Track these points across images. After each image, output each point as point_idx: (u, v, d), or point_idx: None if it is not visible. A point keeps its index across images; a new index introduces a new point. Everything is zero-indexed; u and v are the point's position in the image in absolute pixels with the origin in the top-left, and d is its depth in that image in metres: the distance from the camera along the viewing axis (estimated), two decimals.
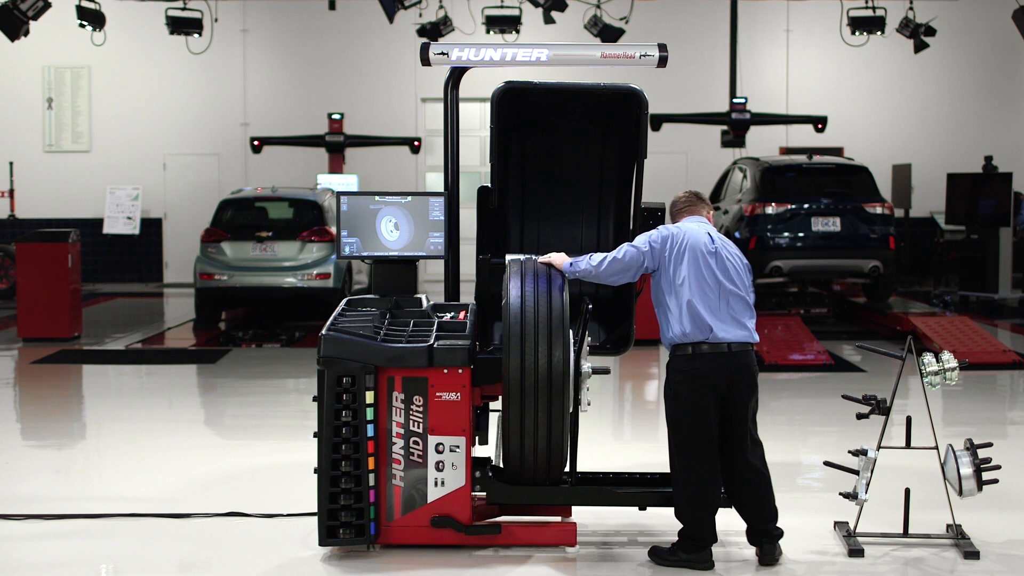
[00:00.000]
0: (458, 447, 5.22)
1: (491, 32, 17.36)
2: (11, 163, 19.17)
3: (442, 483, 5.23)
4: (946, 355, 5.71)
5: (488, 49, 5.82)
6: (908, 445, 5.64)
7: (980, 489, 5.47)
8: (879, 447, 5.55)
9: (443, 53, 5.82)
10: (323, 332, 5.24)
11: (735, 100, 17.37)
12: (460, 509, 5.25)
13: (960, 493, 5.47)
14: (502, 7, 17.42)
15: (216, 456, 7.49)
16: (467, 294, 6.01)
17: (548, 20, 16.87)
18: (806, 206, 14.15)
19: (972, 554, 5.35)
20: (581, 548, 5.42)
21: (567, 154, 6.08)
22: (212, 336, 13.50)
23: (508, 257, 5.62)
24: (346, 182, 18.46)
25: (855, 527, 5.55)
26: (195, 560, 5.40)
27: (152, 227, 19.93)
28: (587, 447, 6.23)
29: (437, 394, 5.20)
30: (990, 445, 5.61)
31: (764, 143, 19.12)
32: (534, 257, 5.43)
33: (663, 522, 5.67)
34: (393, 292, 5.87)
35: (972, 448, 5.52)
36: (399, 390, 5.20)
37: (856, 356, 11.68)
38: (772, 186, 14.42)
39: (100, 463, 7.55)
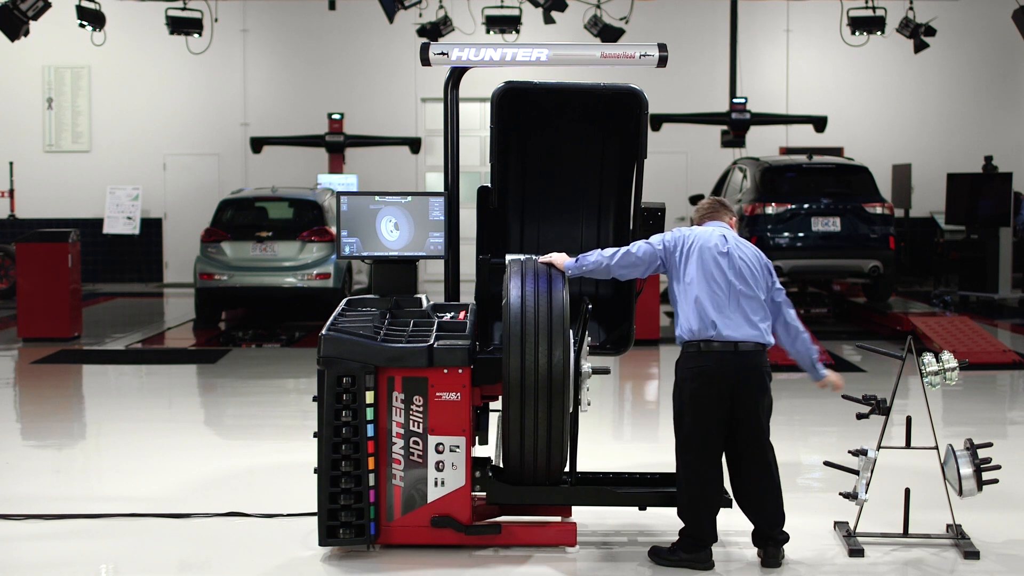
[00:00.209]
0: (458, 447, 5.22)
1: (491, 32, 17.35)
2: (11, 163, 19.17)
3: (442, 483, 5.22)
4: (946, 355, 5.70)
5: (488, 49, 5.83)
6: (908, 445, 5.64)
7: (980, 489, 5.46)
8: (879, 447, 5.55)
9: (443, 53, 5.82)
10: (323, 332, 5.24)
11: (735, 100, 17.36)
12: (460, 509, 5.25)
13: (960, 493, 5.47)
14: (502, 7, 17.41)
15: (216, 456, 7.49)
16: (467, 294, 6.00)
17: (548, 20, 16.86)
18: (806, 206, 14.15)
19: (972, 554, 5.35)
20: (581, 548, 5.42)
21: (567, 154, 6.08)
22: (212, 336, 13.50)
23: (508, 257, 5.62)
24: (346, 182, 18.44)
25: (855, 527, 5.55)
26: (195, 560, 5.40)
27: (152, 227, 19.93)
28: (587, 447, 6.23)
29: (437, 394, 5.20)
30: (990, 445, 5.61)
31: (764, 143, 19.10)
32: (534, 257, 5.43)
33: (663, 522, 5.67)
34: (393, 292, 5.87)
35: (972, 448, 5.52)
36: (399, 390, 5.20)
37: (856, 356, 11.68)
38: (772, 186, 14.42)
39: (100, 463, 7.55)
